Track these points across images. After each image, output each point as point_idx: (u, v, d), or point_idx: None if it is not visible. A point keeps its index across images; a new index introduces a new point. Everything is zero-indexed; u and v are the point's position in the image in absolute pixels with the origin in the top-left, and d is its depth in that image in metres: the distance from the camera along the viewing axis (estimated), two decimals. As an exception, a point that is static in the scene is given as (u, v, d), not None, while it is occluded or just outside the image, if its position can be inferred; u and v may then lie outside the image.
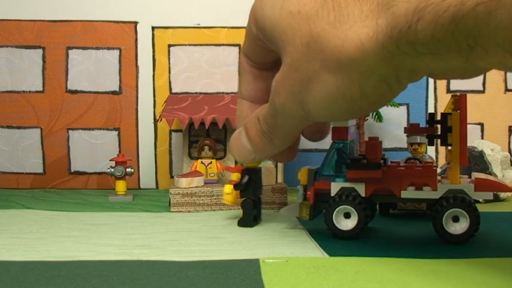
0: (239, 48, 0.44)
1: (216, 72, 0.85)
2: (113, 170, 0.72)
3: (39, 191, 0.82)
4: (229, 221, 0.57)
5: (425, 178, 0.47)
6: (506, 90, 0.86)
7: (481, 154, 0.70)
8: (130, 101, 0.86)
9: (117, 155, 0.74)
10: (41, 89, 0.85)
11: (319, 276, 0.36)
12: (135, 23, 0.86)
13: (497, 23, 0.26)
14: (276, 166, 0.72)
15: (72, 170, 0.85)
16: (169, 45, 0.86)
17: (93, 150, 0.85)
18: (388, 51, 0.31)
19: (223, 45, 0.85)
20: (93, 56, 0.85)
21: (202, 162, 0.70)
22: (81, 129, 0.85)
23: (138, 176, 0.86)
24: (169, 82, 0.86)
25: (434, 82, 0.87)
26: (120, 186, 0.73)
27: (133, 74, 0.86)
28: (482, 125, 0.87)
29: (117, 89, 0.86)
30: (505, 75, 0.86)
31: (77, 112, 0.85)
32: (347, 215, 0.48)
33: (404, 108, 0.86)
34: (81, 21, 0.85)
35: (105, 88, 0.86)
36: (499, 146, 0.73)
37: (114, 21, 0.85)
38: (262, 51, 0.42)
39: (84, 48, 0.85)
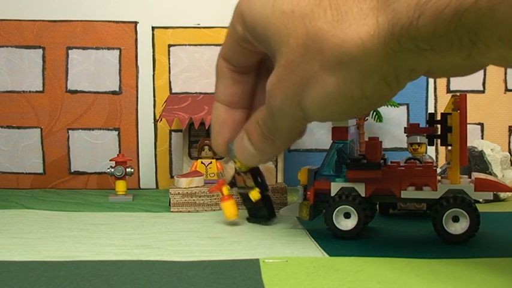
0: (217, 62, 0.44)
1: (216, 72, 0.85)
2: (113, 170, 0.72)
3: (39, 191, 0.82)
4: (229, 221, 0.57)
5: (425, 178, 0.47)
6: (506, 90, 0.86)
7: (481, 154, 0.70)
8: (130, 101, 0.86)
9: (117, 155, 0.74)
10: (41, 89, 0.85)
11: (319, 276, 0.36)
12: (135, 23, 0.86)
13: (499, 18, 0.26)
14: (276, 166, 0.72)
15: (72, 170, 0.85)
16: (169, 45, 0.86)
17: (93, 150, 0.85)
18: (390, 49, 0.31)
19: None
20: (93, 56, 0.85)
21: (202, 162, 0.70)
22: (81, 129, 0.85)
23: (138, 176, 0.86)
24: (169, 82, 0.86)
25: (434, 82, 0.87)
26: (120, 186, 0.73)
27: (133, 74, 0.86)
28: (482, 125, 0.87)
29: (117, 89, 0.86)
30: (505, 75, 0.86)
31: (77, 112, 0.85)
32: (347, 215, 0.48)
33: (404, 108, 0.86)
34: (81, 21, 0.85)
35: (105, 88, 0.86)
36: (499, 146, 0.73)
37: (114, 21, 0.85)
38: (245, 53, 0.41)
39: (84, 48, 0.85)
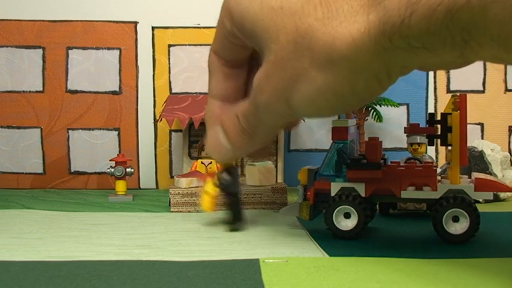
0: (208, 57, 0.44)
1: (216, 72, 0.85)
2: (113, 170, 0.72)
3: (39, 191, 0.82)
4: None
5: (425, 178, 0.47)
6: (506, 90, 0.86)
7: (481, 154, 0.70)
8: (130, 101, 0.86)
9: (117, 155, 0.74)
10: (41, 89, 0.85)
11: (319, 276, 0.36)
12: (135, 23, 0.86)
13: (491, 17, 0.26)
14: (276, 166, 0.72)
15: (72, 170, 0.85)
16: (169, 45, 0.86)
17: (93, 150, 0.85)
18: (380, 46, 0.30)
19: (223, 45, 0.85)
20: (93, 56, 0.85)
21: (202, 162, 0.70)
22: (81, 129, 0.85)
23: (138, 176, 0.86)
24: (169, 82, 0.86)
25: (434, 82, 0.87)
26: (120, 186, 0.73)
27: (134, 74, 0.86)
28: (482, 125, 0.87)
29: (117, 89, 0.86)
30: (505, 75, 0.86)
31: (77, 112, 0.85)
32: (347, 215, 0.48)
33: (404, 108, 0.86)
34: (81, 21, 0.85)
35: (105, 88, 0.86)
36: (499, 146, 0.73)
37: (114, 21, 0.85)
38: (235, 48, 0.41)
39: (84, 48, 0.85)
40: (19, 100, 0.85)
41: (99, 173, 0.85)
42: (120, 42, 0.85)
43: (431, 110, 0.86)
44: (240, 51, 0.42)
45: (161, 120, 0.72)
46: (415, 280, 0.35)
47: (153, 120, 0.86)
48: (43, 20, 0.85)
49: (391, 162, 0.52)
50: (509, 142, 0.87)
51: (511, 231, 0.52)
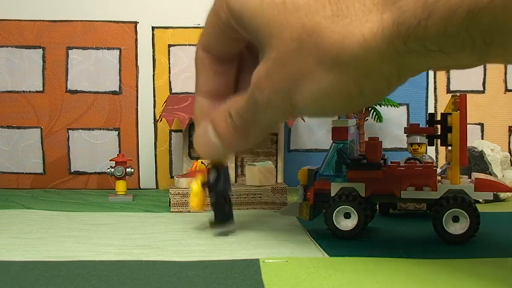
0: (196, 53, 0.43)
1: (216, 72, 0.85)
2: (113, 170, 0.72)
3: (39, 191, 0.82)
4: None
5: (425, 178, 0.47)
6: (506, 90, 0.86)
7: (481, 154, 0.70)
8: (130, 101, 0.86)
9: (117, 155, 0.74)
10: (41, 89, 0.85)
11: (319, 276, 0.36)
12: (135, 23, 0.86)
13: None
14: (276, 166, 0.72)
15: (72, 170, 0.85)
16: (169, 45, 0.86)
17: (93, 150, 0.85)
18: (394, 49, 0.29)
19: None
20: (93, 56, 0.85)
21: (202, 162, 0.69)
22: (81, 129, 0.85)
23: (138, 176, 0.86)
24: (169, 82, 0.86)
25: (434, 82, 0.87)
26: (120, 186, 0.73)
27: (134, 74, 0.86)
28: (482, 125, 0.87)
29: (117, 89, 0.86)
30: (505, 75, 0.86)
31: (77, 112, 0.85)
32: (347, 215, 0.48)
33: (404, 108, 0.86)
34: (81, 21, 0.85)
35: (105, 88, 0.86)
36: (499, 146, 0.73)
37: (114, 21, 0.85)
38: (228, 41, 0.39)
39: (84, 48, 0.85)
40: (19, 100, 0.85)
41: (99, 173, 0.85)
42: (120, 42, 0.85)
43: (431, 110, 0.86)
44: (233, 45, 0.40)
45: (161, 120, 0.72)
46: (415, 280, 0.35)
47: (153, 120, 0.86)
48: (43, 20, 0.85)
49: (391, 162, 0.52)
50: (509, 142, 0.87)
51: (511, 231, 0.52)
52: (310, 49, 0.31)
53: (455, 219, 0.46)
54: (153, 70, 0.86)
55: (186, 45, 0.86)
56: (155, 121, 0.85)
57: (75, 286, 0.34)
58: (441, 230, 0.46)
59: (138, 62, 0.86)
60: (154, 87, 0.86)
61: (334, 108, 0.35)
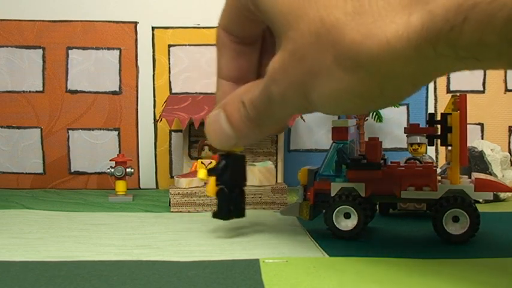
0: (216, 34, 0.40)
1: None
2: (113, 170, 0.72)
3: (39, 191, 0.82)
4: (229, 221, 0.56)
5: (425, 178, 0.47)
6: (506, 90, 0.86)
7: (481, 154, 0.70)
8: (130, 101, 0.86)
9: (117, 155, 0.74)
10: (41, 89, 0.85)
11: (319, 276, 0.36)
12: (135, 23, 0.86)
13: None
14: (276, 166, 0.72)
15: (72, 170, 0.86)
16: (169, 45, 0.86)
17: (93, 150, 0.86)
18: (420, 54, 0.27)
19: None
20: (93, 56, 0.85)
21: (202, 162, 0.70)
22: (81, 129, 0.85)
23: (138, 176, 0.86)
24: (169, 82, 0.86)
25: (434, 82, 0.87)
26: (120, 186, 0.73)
27: (134, 74, 0.86)
28: (482, 125, 0.87)
29: (117, 89, 0.86)
30: (505, 75, 0.86)
31: (77, 112, 0.85)
32: (347, 215, 0.48)
33: (404, 108, 0.86)
34: (81, 21, 0.85)
35: (105, 88, 0.86)
36: (499, 146, 0.73)
37: (114, 21, 0.85)
38: (248, 22, 0.37)
39: (84, 48, 0.85)
40: (19, 100, 0.85)
41: (99, 173, 0.85)
42: (120, 42, 0.85)
43: (431, 110, 0.86)
44: (253, 27, 0.37)
45: (161, 120, 0.72)
46: (415, 280, 0.35)
47: (153, 120, 0.86)
48: (43, 20, 0.85)
49: (391, 162, 0.52)
50: (509, 142, 0.87)
51: (511, 231, 0.52)
52: (328, 46, 0.29)
53: (455, 219, 0.46)
54: (153, 70, 0.86)
55: (186, 45, 0.86)
56: (155, 121, 0.85)
57: (75, 286, 0.34)
58: (441, 230, 0.46)
59: (138, 62, 0.86)
60: (154, 87, 0.86)
61: (353, 108, 0.33)
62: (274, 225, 0.54)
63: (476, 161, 0.69)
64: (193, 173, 0.67)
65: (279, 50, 0.33)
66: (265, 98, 0.35)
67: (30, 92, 0.85)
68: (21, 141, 0.85)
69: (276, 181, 0.70)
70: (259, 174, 0.64)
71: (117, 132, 0.86)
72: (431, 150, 0.86)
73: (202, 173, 0.50)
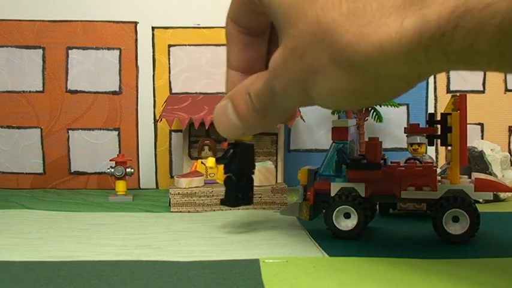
0: (225, 25, 0.41)
1: (216, 73, 0.85)
2: (113, 170, 0.72)
3: (39, 191, 0.82)
4: (229, 220, 0.57)
5: (425, 178, 0.47)
6: (506, 90, 0.86)
7: (481, 154, 0.70)
8: (130, 101, 0.86)
9: (117, 155, 0.74)
10: (41, 89, 0.85)
11: (319, 276, 0.36)
12: (135, 23, 0.86)
13: None
14: (276, 166, 0.72)
15: (72, 170, 0.86)
16: (169, 45, 0.86)
17: (93, 150, 0.86)
18: (412, 57, 0.27)
19: (223, 45, 0.85)
20: (93, 56, 0.85)
21: (202, 162, 0.70)
22: (81, 129, 0.85)
23: (138, 176, 0.86)
24: (169, 82, 0.86)
25: (434, 82, 0.87)
26: (120, 186, 0.73)
27: (134, 74, 0.86)
28: (482, 125, 0.87)
29: (117, 89, 0.86)
30: (505, 76, 0.86)
31: (77, 112, 0.85)
32: (347, 215, 0.48)
33: (404, 108, 0.86)
34: (81, 21, 0.85)
35: (105, 88, 0.86)
36: (499, 146, 0.73)
37: (114, 21, 0.85)
38: (255, 14, 0.37)
39: (84, 48, 0.85)
40: (19, 100, 0.85)
41: (99, 173, 0.85)
42: (120, 42, 0.85)
43: (431, 110, 0.86)
44: (260, 18, 0.38)
45: (161, 120, 0.72)
46: (415, 280, 0.35)
47: (153, 120, 0.86)
48: (43, 20, 0.85)
49: (391, 162, 0.52)
50: (509, 142, 0.87)
51: (511, 231, 0.52)
52: (325, 46, 0.30)
53: (455, 219, 0.46)
54: (153, 70, 0.86)
55: (186, 45, 0.86)
56: (155, 121, 0.85)
57: (75, 286, 0.34)
58: (441, 230, 0.46)
59: (138, 62, 0.86)
60: (154, 87, 0.86)
61: (349, 104, 0.34)
62: (274, 225, 0.54)
63: (476, 161, 0.69)
64: (194, 173, 0.67)
65: (280, 46, 0.33)
66: (269, 90, 0.36)
67: (30, 92, 0.85)
68: (21, 141, 0.85)
69: (276, 181, 0.70)
70: (259, 174, 0.64)
71: (117, 132, 0.86)
72: (431, 150, 0.86)
73: (211, 161, 0.51)
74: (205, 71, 0.85)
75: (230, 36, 0.41)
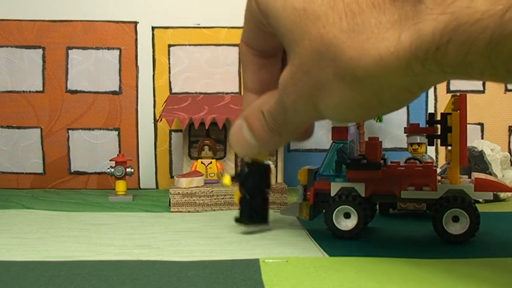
0: (239, 48, 0.41)
1: (216, 72, 0.85)
2: (113, 170, 0.72)
3: (39, 191, 0.82)
4: (229, 221, 0.57)
5: (425, 178, 0.47)
6: (506, 90, 0.86)
7: (481, 154, 0.70)
8: (130, 101, 0.86)
9: (117, 155, 0.74)
10: (41, 89, 0.85)
11: (319, 276, 0.36)
12: (135, 23, 0.86)
13: None
14: (276, 166, 0.72)
15: (72, 170, 0.86)
16: (169, 45, 0.86)
17: (93, 150, 0.86)
18: (411, 70, 0.28)
19: (223, 45, 0.85)
20: (93, 56, 0.85)
21: (202, 162, 0.70)
22: (81, 129, 0.85)
23: (138, 176, 0.86)
24: (169, 82, 0.86)
25: (434, 82, 0.87)
26: (120, 186, 0.73)
27: (134, 74, 0.86)
28: (482, 125, 0.87)
29: (117, 89, 0.86)
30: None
31: (77, 112, 0.85)
32: (347, 215, 0.48)
33: (404, 108, 0.86)
34: (81, 21, 0.85)
35: (105, 88, 0.86)
36: (499, 146, 0.73)
37: (114, 21, 0.85)
38: (265, 36, 0.39)
39: (84, 48, 0.85)
40: (19, 100, 0.85)
41: (99, 173, 0.85)
42: (120, 42, 0.85)
43: (431, 110, 0.86)
44: (270, 39, 0.39)
45: (161, 120, 0.72)
46: (415, 280, 0.35)
47: (153, 120, 0.86)
48: (43, 20, 0.85)
49: (391, 162, 0.52)
50: (509, 142, 0.87)
51: (511, 231, 0.52)
52: (329, 62, 0.31)
53: (455, 219, 0.46)
54: (153, 70, 0.86)
55: (186, 45, 0.86)
56: (155, 121, 0.85)
57: (75, 286, 0.34)
58: (441, 230, 0.46)
59: (138, 62, 0.86)
60: (154, 87, 0.86)
61: (357, 116, 0.35)
62: (274, 225, 0.54)
63: (476, 161, 0.69)
64: (193, 173, 0.68)
65: (288, 63, 0.35)
66: (280, 107, 0.38)
67: (30, 92, 0.85)
68: (21, 141, 0.85)
69: (276, 181, 0.70)
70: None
71: (117, 132, 0.86)
72: (431, 150, 0.85)
73: (227, 179, 0.52)
74: (205, 70, 0.85)
75: (244, 59, 0.42)
